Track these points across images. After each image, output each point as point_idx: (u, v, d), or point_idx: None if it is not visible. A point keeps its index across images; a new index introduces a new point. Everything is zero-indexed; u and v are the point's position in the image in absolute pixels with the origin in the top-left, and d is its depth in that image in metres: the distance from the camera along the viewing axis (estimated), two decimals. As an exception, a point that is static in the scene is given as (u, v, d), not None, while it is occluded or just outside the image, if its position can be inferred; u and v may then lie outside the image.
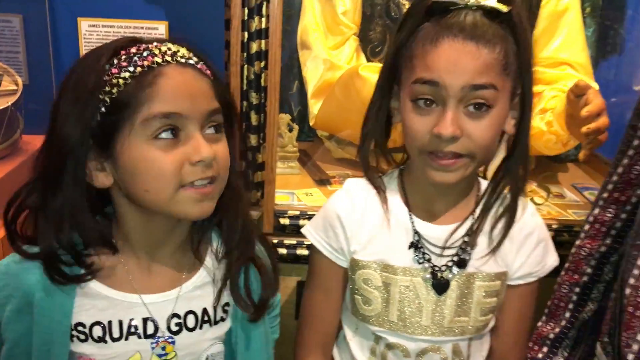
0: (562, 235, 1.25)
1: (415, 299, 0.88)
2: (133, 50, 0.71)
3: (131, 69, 0.70)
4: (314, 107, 1.52)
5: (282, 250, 1.23)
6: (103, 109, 0.70)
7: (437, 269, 0.88)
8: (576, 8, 1.54)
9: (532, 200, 1.37)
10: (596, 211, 0.93)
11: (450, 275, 0.88)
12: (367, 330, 0.93)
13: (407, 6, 1.47)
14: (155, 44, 0.73)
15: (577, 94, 1.26)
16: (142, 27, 1.63)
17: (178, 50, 0.73)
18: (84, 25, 1.56)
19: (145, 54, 0.71)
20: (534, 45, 1.55)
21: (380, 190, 0.90)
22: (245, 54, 1.13)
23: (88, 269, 0.77)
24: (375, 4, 1.50)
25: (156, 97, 0.70)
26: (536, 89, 1.52)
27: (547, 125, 1.44)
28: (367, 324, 0.92)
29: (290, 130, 1.50)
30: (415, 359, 0.91)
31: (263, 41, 1.12)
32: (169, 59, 0.72)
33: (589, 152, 1.29)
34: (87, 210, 0.75)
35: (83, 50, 1.57)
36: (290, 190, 1.40)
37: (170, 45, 0.74)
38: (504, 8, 0.78)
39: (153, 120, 0.70)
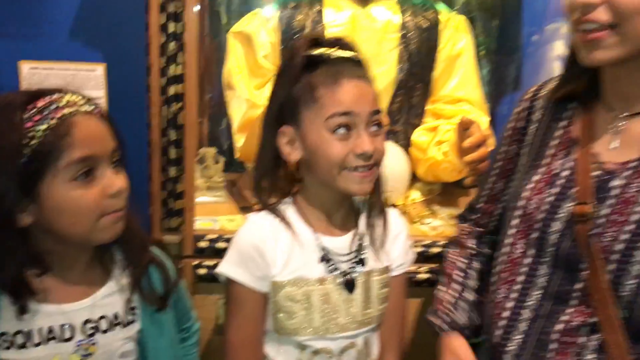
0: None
1: (332, 302, 1.04)
2: (40, 104, 0.85)
3: (46, 122, 0.83)
4: (239, 141, 1.66)
5: (202, 271, 1.37)
6: (25, 159, 0.82)
7: (345, 272, 1.05)
8: (470, 51, 1.75)
9: (422, 221, 1.54)
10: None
11: (355, 275, 1.05)
12: (292, 343, 1.06)
13: (319, 51, 1.65)
14: (56, 95, 0.86)
15: (463, 128, 1.45)
16: (81, 69, 1.76)
17: (80, 100, 0.88)
18: (25, 67, 1.67)
19: (53, 106, 0.84)
20: (435, 84, 1.76)
21: (284, 217, 1.05)
22: (164, 97, 1.28)
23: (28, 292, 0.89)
24: (291, 49, 1.66)
25: (73, 144, 0.83)
26: (436, 123, 1.74)
27: (443, 155, 1.62)
28: (293, 337, 1.05)
29: (217, 162, 1.64)
30: (338, 358, 1.06)
31: (180, 85, 1.28)
32: (75, 109, 0.86)
33: (472, 177, 1.49)
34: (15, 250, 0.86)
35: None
36: (215, 217, 1.53)
37: (72, 97, 0.88)
38: (359, 56, 1.01)
39: (74, 164, 0.84)
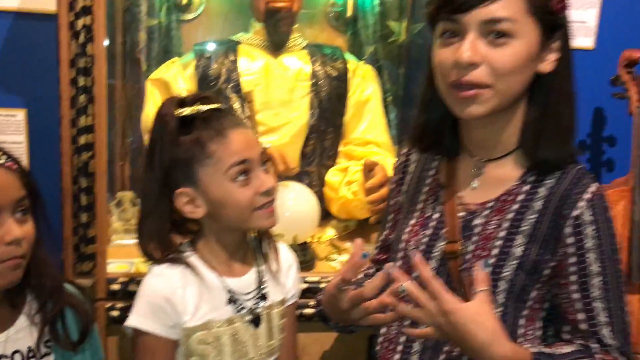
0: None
1: (241, 339, 1.10)
2: None
3: None
4: (157, 184, 1.72)
5: (115, 313, 1.41)
6: None
7: (251, 309, 1.11)
8: (377, 98, 1.87)
9: (329, 258, 1.64)
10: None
11: (259, 310, 1.12)
12: None
13: (234, 99, 1.74)
14: None
15: (368, 169, 1.57)
16: (1, 115, 1.79)
17: None
18: (-57, 114, 1.70)
19: None
20: (346, 128, 1.87)
21: (189, 265, 1.07)
22: (75, 146, 1.34)
23: None
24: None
25: None
26: (347, 164, 1.85)
27: (353, 195, 1.73)
28: None
29: (134, 205, 1.70)
30: None
31: (90, 135, 1.34)
32: None
33: (375, 216, 1.59)
34: None
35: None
36: (131, 260, 1.57)
37: None
38: (223, 106, 1.07)
39: None
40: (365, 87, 1.86)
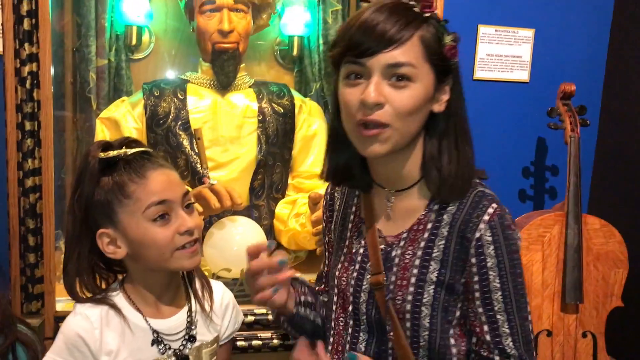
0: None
1: None
2: None
3: None
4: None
5: (64, 352, 1.42)
6: None
7: (177, 351, 1.12)
8: (323, 132, 1.93)
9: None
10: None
11: (186, 351, 1.13)
12: None
13: (183, 136, 1.79)
14: None
15: (313, 202, 1.63)
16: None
17: None
18: None
19: None
20: (294, 161, 1.93)
21: (112, 306, 1.08)
22: (21, 188, 1.36)
23: None
24: (157, 134, 1.79)
25: None
26: (295, 196, 1.90)
27: (301, 227, 1.78)
28: None
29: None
30: None
31: (37, 177, 1.37)
32: None
33: (321, 247, 1.65)
34: None
35: None
36: (82, 297, 1.59)
37: None
38: (149, 149, 1.11)
39: None
40: (311, 122, 1.92)
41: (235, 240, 1.58)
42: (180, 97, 1.81)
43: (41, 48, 1.32)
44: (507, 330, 1.03)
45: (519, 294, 1.04)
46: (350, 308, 1.13)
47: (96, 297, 1.10)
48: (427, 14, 1.00)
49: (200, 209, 1.50)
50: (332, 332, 1.17)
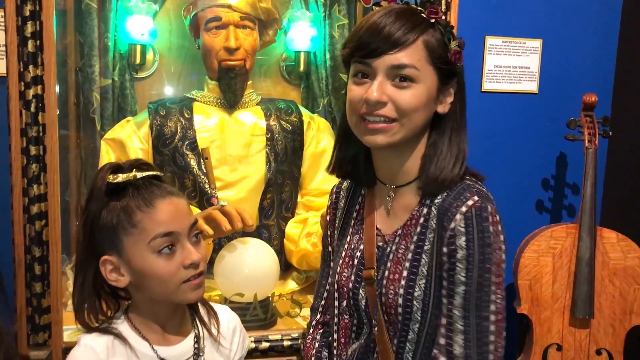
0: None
1: None
2: None
3: None
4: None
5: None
6: None
7: None
8: (332, 148, 1.90)
9: (291, 313, 1.63)
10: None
11: None
12: None
13: (190, 156, 1.75)
14: None
15: (325, 221, 1.58)
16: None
17: None
18: None
19: None
20: (304, 179, 1.89)
21: (118, 335, 1.06)
22: (27, 215, 1.32)
23: None
24: (164, 154, 1.75)
25: None
26: (306, 215, 1.86)
27: (312, 246, 1.74)
28: None
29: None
30: None
31: (43, 203, 1.32)
32: None
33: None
34: None
35: None
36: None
37: None
38: (159, 173, 1.07)
39: None
40: (320, 139, 1.89)
41: (247, 262, 1.54)
42: (186, 116, 1.78)
43: (46, 70, 1.28)
44: (461, 327, 1.01)
45: (483, 290, 1.01)
46: (349, 302, 1.15)
47: (101, 327, 1.06)
48: (432, 19, 1.04)
49: (211, 231, 1.45)
50: (336, 327, 1.19)
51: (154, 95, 1.93)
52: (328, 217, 1.29)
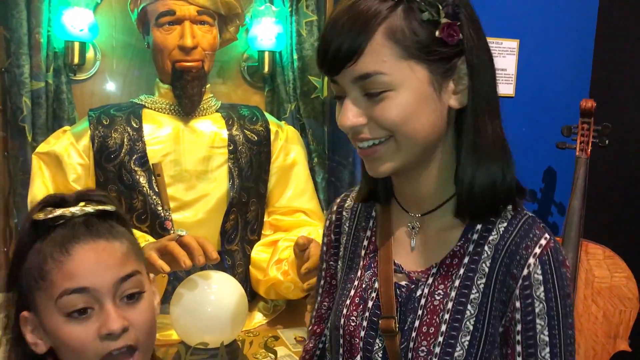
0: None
1: None
2: None
3: None
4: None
5: None
6: None
7: None
8: (302, 161, 1.72)
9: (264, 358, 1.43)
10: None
11: None
12: None
13: (139, 172, 1.52)
14: None
15: (300, 249, 1.37)
16: None
17: None
18: None
19: None
20: (270, 196, 1.69)
21: None
22: None
23: None
24: (108, 170, 1.52)
25: None
26: (275, 237, 1.66)
27: (283, 275, 1.54)
28: None
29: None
30: None
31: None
32: None
33: (312, 300, 1.40)
34: None
35: None
36: None
37: None
38: (110, 207, 0.83)
39: None
40: (289, 150, 1.71)
41: (210, 300, 1.31)
42: (134, 125, 1.55)
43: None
44: None
45: (567, 350, 0.84)
46: (360, 355, 0.92)
47: None
48: None
49: (167, 267, 1.22)
50: None
51: (95, 101, 1.73)
52: (326, 239, 1.05)
